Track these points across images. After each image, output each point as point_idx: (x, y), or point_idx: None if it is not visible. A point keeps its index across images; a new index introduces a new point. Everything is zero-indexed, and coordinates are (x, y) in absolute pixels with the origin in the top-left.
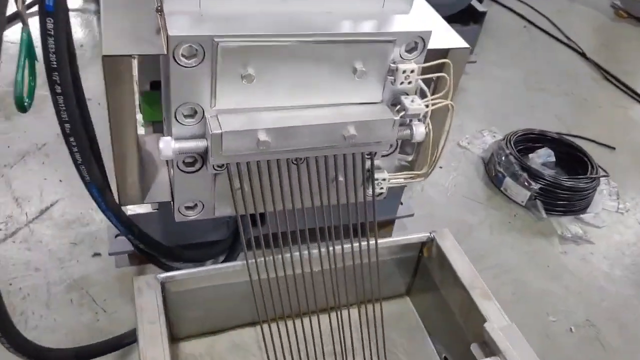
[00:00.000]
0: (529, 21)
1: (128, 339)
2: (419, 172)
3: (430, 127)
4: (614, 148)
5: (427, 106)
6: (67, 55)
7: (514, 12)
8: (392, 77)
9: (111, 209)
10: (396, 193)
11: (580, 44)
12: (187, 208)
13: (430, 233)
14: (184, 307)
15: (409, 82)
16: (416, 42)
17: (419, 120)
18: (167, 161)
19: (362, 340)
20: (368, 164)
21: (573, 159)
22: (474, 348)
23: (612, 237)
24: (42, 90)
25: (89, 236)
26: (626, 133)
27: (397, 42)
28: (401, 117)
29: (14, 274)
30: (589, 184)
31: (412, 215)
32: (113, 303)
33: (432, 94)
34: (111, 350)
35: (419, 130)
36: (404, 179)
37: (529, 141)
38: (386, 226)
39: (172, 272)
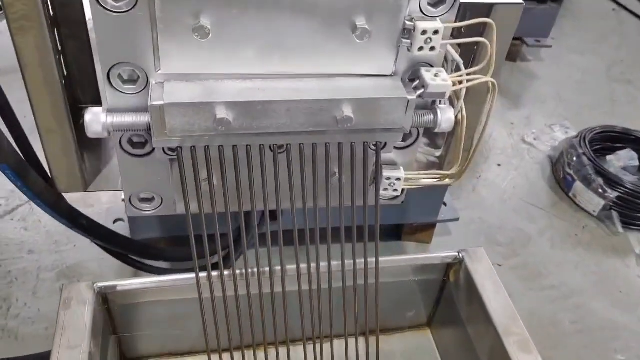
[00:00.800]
0: (618, 4)
1: None
2: (447, 173)
3: (464, 112)
4: None
5: (459, 83)
6: None
7: None
8: (408, 40)
9: (38, 196)
10: (438, 191)
11: None
12: (142, 200)
13: (459, 253)
14: (133, 324)
15: (432, 48)
16: None
17: (447, 101)
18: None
19: None
20: (375, 158)
21: None
22: None
23: None
24: None
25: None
26: None
27: None
28: (419, 96)
29: (6, 254)
30: None
31: (457, 219)
32: None
33: (469, 67)
34: None
35: (446, 117)
36: (427, 179)
37: (607, 140)
38: (425, 230)
39: (114, 282)
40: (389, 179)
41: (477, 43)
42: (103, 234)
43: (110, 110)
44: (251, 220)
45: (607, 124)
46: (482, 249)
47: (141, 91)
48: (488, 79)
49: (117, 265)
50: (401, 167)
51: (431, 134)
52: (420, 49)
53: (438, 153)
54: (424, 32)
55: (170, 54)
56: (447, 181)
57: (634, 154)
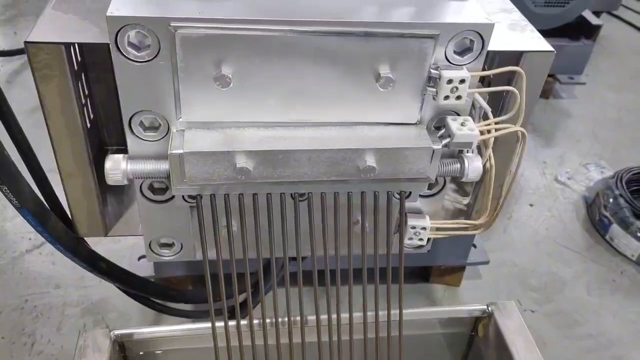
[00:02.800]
0: None
1: None
2: (475, 223)
3: (492, 161)
4: None
5: (487, 132)
6: None
7: (637, 28)
8: (434, 89)
9: (58, 240)
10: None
11: None
12: (162, 245)
13: (488, 306)
14: None
15: (458, 97)
16: (471, 39)
17: (475, 151)
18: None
19: None
20: (399, 207)
21: None
22: None
23: None
24: None
25: (117, 254)
26: None
27: (442, 37)
28: (445, 145)
29: (33, 289)
30: None
31: (487, 262)
32: None
33: (498, 114)
34: None
35: (474, 166)
36: (454, 230)
37: None
38: (454, 273)
39: (132, 330)
40: (414, 227)
41: (506, 91)
42: (122, 276)
43: (131, 157)
44: (270, 268)
45: None
46: (512, 302)
47: (162, 138)
48: (517, 128)
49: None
50: (427, 216)
51: (459, 182)
52: (446, 97)
53: (466, 201)
54: (450, 81)
55: (191, 102)
56: (474, 232)
57: None
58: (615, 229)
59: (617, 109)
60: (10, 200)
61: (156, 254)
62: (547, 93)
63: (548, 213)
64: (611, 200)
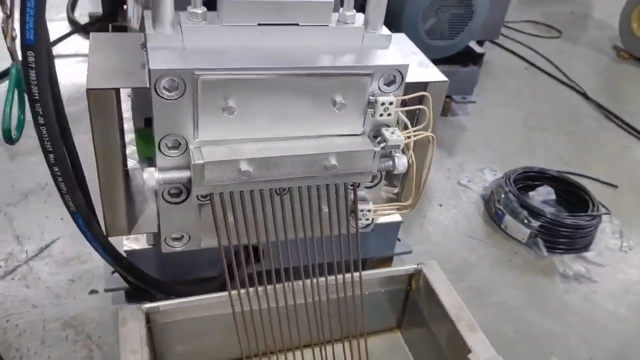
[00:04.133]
0: (530, 63)
1: None
2: (404, 204)
3: (413, 158)
4: (616, 186)
5: (408, 137)
6: (50, 87)
7: (516, 54)
8: (372, 110)
9: (97, 240)
10: (393, 230)
11: (582, 84)
12: (174, 239)
13: (418, 265)
14: (169, 339)
15: (389, 114)
16: (394, 75)
17: (401, 151)
18: (155, 193)
19: None
20: (353, 195)
21: (574, 197)
22: None
23: (615, 275)
24: None
25: (86, 273)
26: (629, 172)
27: (375, 75)
28: (382, 148)
29: (11, 310)
30: (590, 222)
31: (410, 252)
32: (108, 340)
33: (414, 125)
34: None
35: (401, 162)
36: (390, 210)
37: (528, 179)
38: (384, 264)
39: (157, 303)
40: (362, 210)
41: (418, 109)
42: (137, 272)
43: (160, 169)
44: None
45: (526, 165)
46: (434, 261)
47: (182, 154)
48: (428, 133)
49: (113, 312)
50: (370, 202)
51: (389, 177)
52: (381, 115)
53: (395, 191)
54: (382, 104)
55: (206, 126)
56: (404, 211)
57: (551, 190)
58: (508, 218)
59: (503, 123)
60: (68, 207)
61: (170, 246)
62: (445, 111)
63: (455, 210)
64: (503, 196)
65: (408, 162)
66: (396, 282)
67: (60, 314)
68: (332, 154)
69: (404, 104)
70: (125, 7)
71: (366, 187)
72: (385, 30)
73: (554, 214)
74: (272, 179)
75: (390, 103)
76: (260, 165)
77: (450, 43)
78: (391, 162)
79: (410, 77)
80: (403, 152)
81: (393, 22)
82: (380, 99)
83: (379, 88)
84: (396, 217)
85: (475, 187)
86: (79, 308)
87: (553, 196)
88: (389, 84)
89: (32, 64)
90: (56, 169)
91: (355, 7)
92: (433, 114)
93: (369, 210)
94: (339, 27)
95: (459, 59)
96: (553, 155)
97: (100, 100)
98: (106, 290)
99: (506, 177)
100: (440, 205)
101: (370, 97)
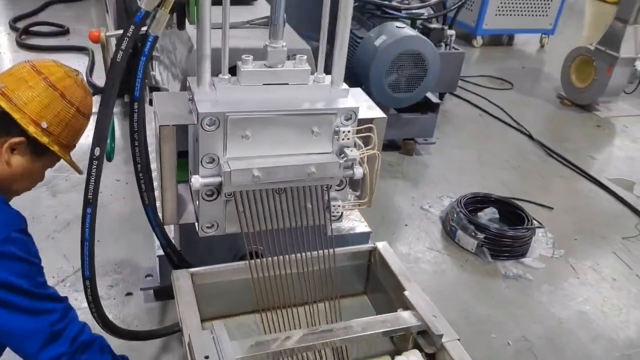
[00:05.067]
0: (484, 110)
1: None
2: (363, 201)
3: (367, 169)
4: (552, 208)
5: (362, 154)
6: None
7: (472, 104)
8: (337, 136)
9: (157, 226)
10: (364, 238)
11: (528, 128)
12: (207, 227)
13: (374, 244)
14: (205, 294)
15: (348, 139)
16: (351, 114)
17: (358, 164)
18: (192, 198)
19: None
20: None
21: (514, 215)
22: (399, 311)
23: (547, 275)
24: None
25: (122, 281)
26: (564, 197)
27: (338, 114)
28: (345, 161)
29: None
30: (526, 233)
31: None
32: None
33: (366, 146)
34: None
35: (358, 171)
36: (353, 205)
37: (477, 202)
38: None
39: (198, 268)
40: (334, 205)
41: (368, 135)
42: (176, 252)
43: (202, 177)
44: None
45: (475, 192)
46: (386, 242)
47: (215, 167)
48: (375, 151)
49: (146, 308)
50: (339, 199)
51: (352, 184)
52: (342, 139)
53: (357, 193)
54: (344, 132)
55: (231, 148)
56: (363, 206)
57: (495, 210)
58: (460, 233)
59: (459, 160)
60: (143, 201)
61: (204, 232)
62: (410, 151)
63: (418, 229)
64: (455, 215)
65: (363, 172)
66: (360, 258)
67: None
68: (312, 165)
69: (358, 132)
70: (152, 72)
71: (336, 190)
72: (344, 86)
73: (496, 228)
74: (274, 181)
75: (349, 131)
76: (266, 172)
77: (410, 95)
78: (351, 171)
79: (361, 115)
80: (360, 164)
81: (362, 78)
82: (342, 129)
83: (341, 122)
84: (366, 229)
85: (435, 211)
86: (119, 306)
87: (497, 215)
88: (347, 119)
89: (135, 110)
90: (140, 175)
91: (325, 71)
92: (377, 139)
93: (339, 205)
94: (314, 85)
95: (419, 108)
96: (500, 185)
97: (167, 133)
98: (141, 289)
99: (458, 201)
100: (406, 225)
101: (336, 128)
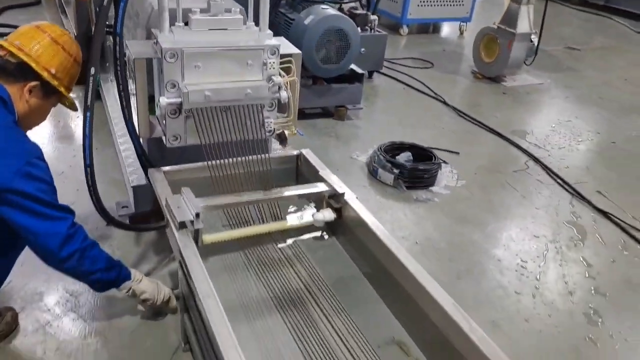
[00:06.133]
0: (407, 85)
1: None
2: (289, 118)
3: (290, 93)
4: (458, 153)
5: (286, 81)
6: (124, 53)
7: (397, 80)
8: (265, 67)
9: (134, 136)
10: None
11: (445, 98)
12: (173, 139)
13: (299, 150)
14: (173, 187)
15: (273, 68)
16: (275, 49)
17: (284, 90)
18: (159, 122)
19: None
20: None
21: (424, 157)
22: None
23: (450, 199)
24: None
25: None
26: (469, 145)
27: (265, 49)
28: (272, 85)
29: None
30: (434, 167)
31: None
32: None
33: (288, 75)
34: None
35: (283, 94)
36: (281, 122)
37: (394, 149)
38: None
39: (167, 167)
40: (267, 122)
41: (289, 67)
42: (149, 161)
43: (167, 98)
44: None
45: (392, 141)
46: (309, 149)
47: (176, 90)
48: (295, 78)
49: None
50: (271, 118)
51: (281, 108)
52: (270, 69)
53: (285, 115)
54: (270, 63)
55: (187, 75)
56: (288, 123)
57: (409, 154)
58: (380, 171)
59: (384, 123)
60: (124, 116)
61: (170, 143)
62: (342, 117)
63: (348, 173)
64: (376, 158)
65: (287, 95)
66: (289, 162)
67: None
68: (248, 87)
69: (282, 64)
70: None
71: (268, 110)
72: (269, 32)
73: (410, 167)
74: (221, 99)
75: (274, 63)
76: (215, 92)
77: (337, 66)
78: (278, 94)
79: (283, 51)
80: (285, 90)
81: None
82: (269, 61)
83: (268, 56)
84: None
85: (362, 159)
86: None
87: (411, 158)
88: (272, 54)
89: (117, 43)
90: (123, 100)
91: (254, 21)
92: (296, 69)
93: (271, 122)
94: (247, 30)
95: (347, 79)
96: (417, 140)
97: (139, 64)
98: (119, 216)
99: (378, 147)
100: (338, 169)
101: (264, 60)
